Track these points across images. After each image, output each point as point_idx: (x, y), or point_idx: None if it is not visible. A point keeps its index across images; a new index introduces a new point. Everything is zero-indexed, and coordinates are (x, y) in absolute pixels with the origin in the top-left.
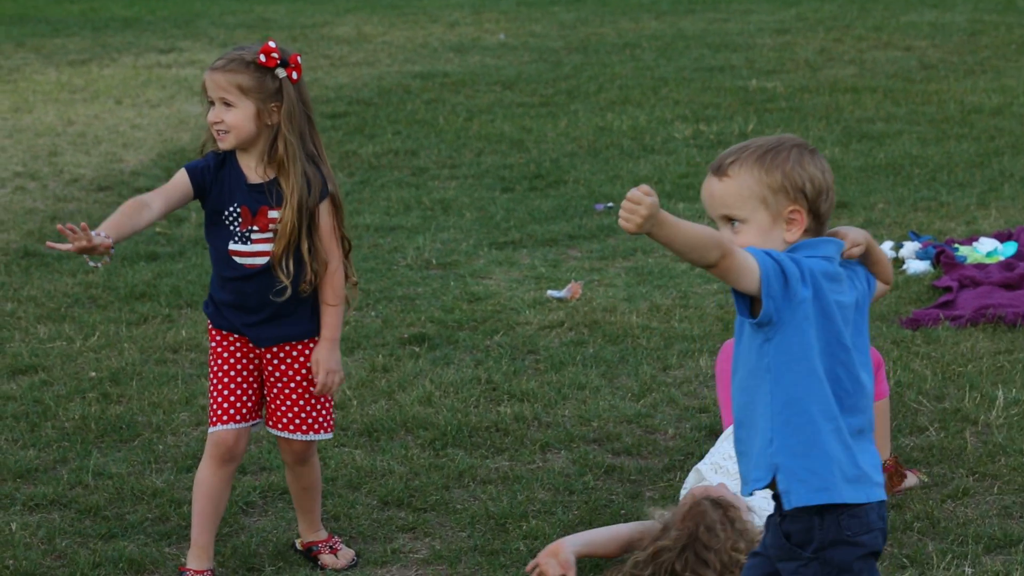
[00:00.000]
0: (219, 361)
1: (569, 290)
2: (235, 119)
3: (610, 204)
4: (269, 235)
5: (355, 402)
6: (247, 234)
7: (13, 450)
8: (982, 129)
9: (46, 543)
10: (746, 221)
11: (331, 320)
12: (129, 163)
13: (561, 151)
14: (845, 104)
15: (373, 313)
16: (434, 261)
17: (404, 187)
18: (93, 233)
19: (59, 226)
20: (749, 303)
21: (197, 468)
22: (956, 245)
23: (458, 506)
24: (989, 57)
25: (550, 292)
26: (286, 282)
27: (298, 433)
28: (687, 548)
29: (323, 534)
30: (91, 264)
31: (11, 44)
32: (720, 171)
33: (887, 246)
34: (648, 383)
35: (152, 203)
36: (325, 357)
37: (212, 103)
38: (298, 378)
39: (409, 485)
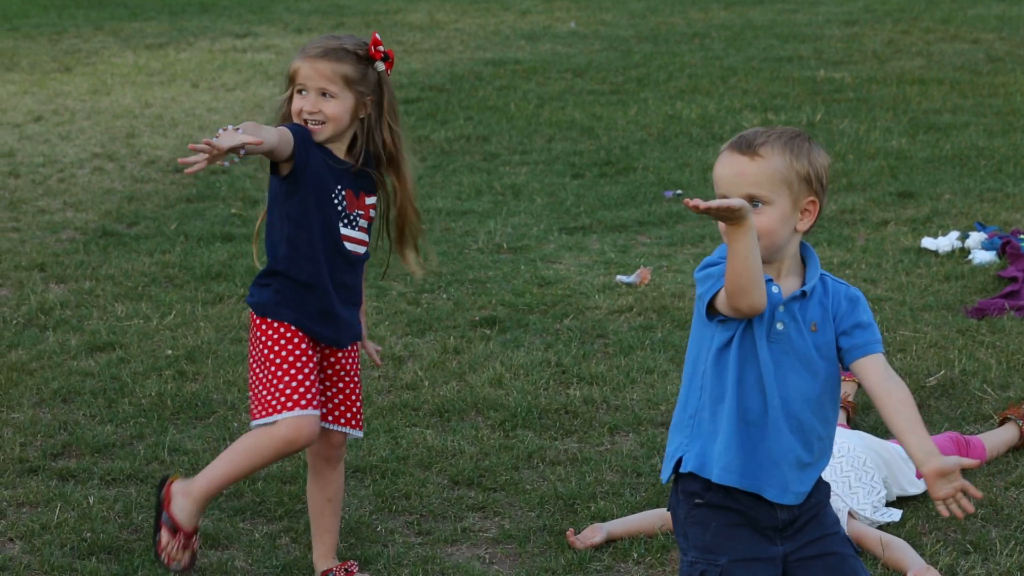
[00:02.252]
0: (299, 343)
1: (638, 275)
2: (335, 110)
3: (679, 191)
4: (366, 224)
5: (427, 383)
6: (356, 219)
7: (91, 425)
8: None
9: (123, 517)
10: (771, 203)
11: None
12: None
13: (631, 139)
14: (912, 95)
15: (445, 295)
16: (505, 245)
17: (476, 172)
18: (230, 128)
19: (191, 145)
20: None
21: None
22: (1022, 236)
23: (527, 487)
24: None
25: (619, 277)
26: (415, 265)
27: (357, 430)
28: None
29: (336, 560)
30: (225, 164)
31: (90, 27)
32: (751, 150)
33: (953, 236)
34: None
35: (270, 130)
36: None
37: (302, 91)
38: (356, 375)
39: (479, 465)
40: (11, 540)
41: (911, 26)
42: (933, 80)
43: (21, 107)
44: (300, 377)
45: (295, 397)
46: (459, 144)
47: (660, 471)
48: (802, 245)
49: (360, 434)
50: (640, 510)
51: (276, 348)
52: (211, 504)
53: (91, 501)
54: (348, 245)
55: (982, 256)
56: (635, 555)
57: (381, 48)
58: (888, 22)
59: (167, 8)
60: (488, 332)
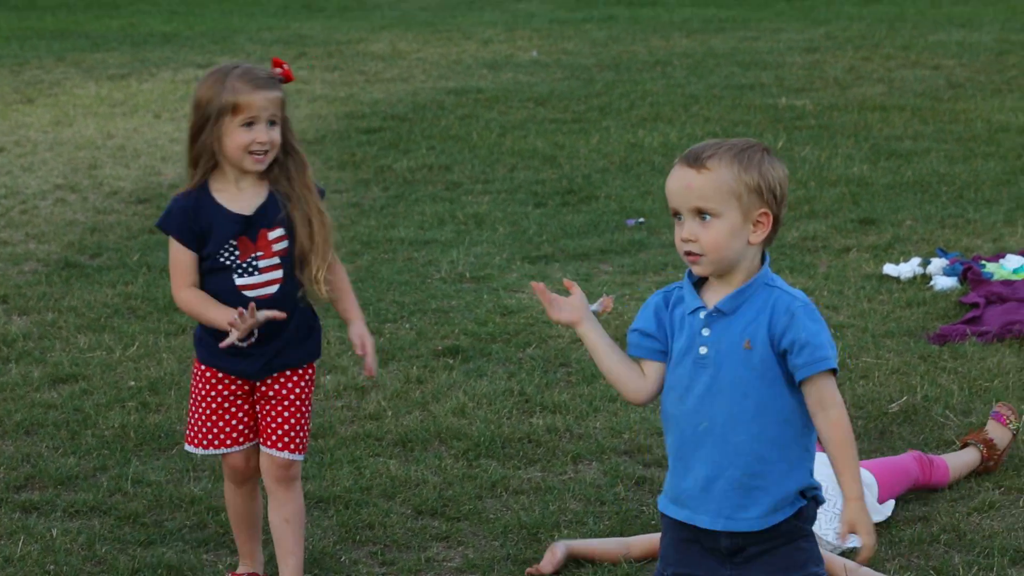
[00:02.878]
0: (212, 391)
1: (601, 304)
2: (278, 137)
3: (641, 219)
4: (276, 260)
5: (390, 412)
6: (252, 264)
7: (54, 457)
8: (1009, 147)
9: (86, 549)
10: (719, 216)
11: (354, 305)
12: (168, 176)
13: (593, 167)
14: (873, 122)
15: (407, 325)
16: (468, 275)
17: (438, 201)
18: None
19: (231, 320)
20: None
21: None
22: (983, 262)
23: (491, 516)
24: (1016, 76)
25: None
26: (316, 280)
27: (286, 452)
28: None
29: None
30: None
31: (52, 58)
32: (698, 163)
33: (915, 263)
34: None
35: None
36: (365, 332)
37: (251, 123)
38: (296, 400)
39: (443, 495)
40: None
41: (872, 53)
42: (894, 107)
43: None
44: (212, 423)
45: (221, 438)
46: (421, 173)
47: (623, 499)
48: (764, 257)
49: (284, 455)
50: (604, 537)
51: (193, 383)
52: (176, 535)
53: (54, 533)
54: (250, 293)
55: (944, 282)
56: None
57: (286, 66)
58: (849, 49)
59: (129, 39)
60: (451, 361)
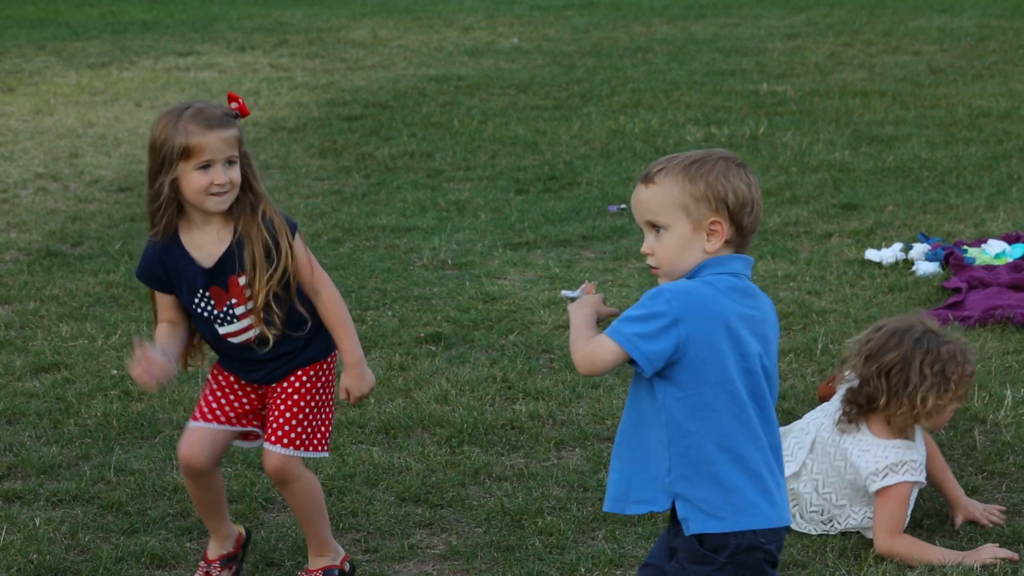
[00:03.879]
0: (219, 374)
1: (583, 290)
2: (237, 175)
3: (623, 206)
4: (251, 305)
5: (372, 400)
6: (228, 313)
7: (36, 447)
8: (990, 133)
9: (69, 538)
10: (668, 228)
11: (348, 343)
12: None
13: (574, 153)
14: (855, 108)
15: (390, 312)
16: (450, 261)
17: (420, 188)
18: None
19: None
20: None
21: None
22: (965, 247)
23: (474, 502)
24: (997, 62)
25: (564, 292)
26: (290, 334)
27: (279, 446)
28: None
29: (328, 559)
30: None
31: (32, 47)
32: (648, 179)
33: (897, 248)
34: None
35: (176, 324)
36: (355, 384)
37: (207, 166)
38: (295, 395)
39: (426, 482)
40: None
41: (853, 39)
42: (875, 92)
43: None
44: (202, 398)
45: (194, 413)
46: (403, 161)
47: (606, 485)
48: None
49: (281, 451)
50: (588, 525)
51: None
52: (159, 523)
53: (37, 523)
54: (234, 339)
55: (926, 267)
56: (583, 570)
57: (241, 101)
58: (830, 35)
59: (109, 27)
60: (433, 348)
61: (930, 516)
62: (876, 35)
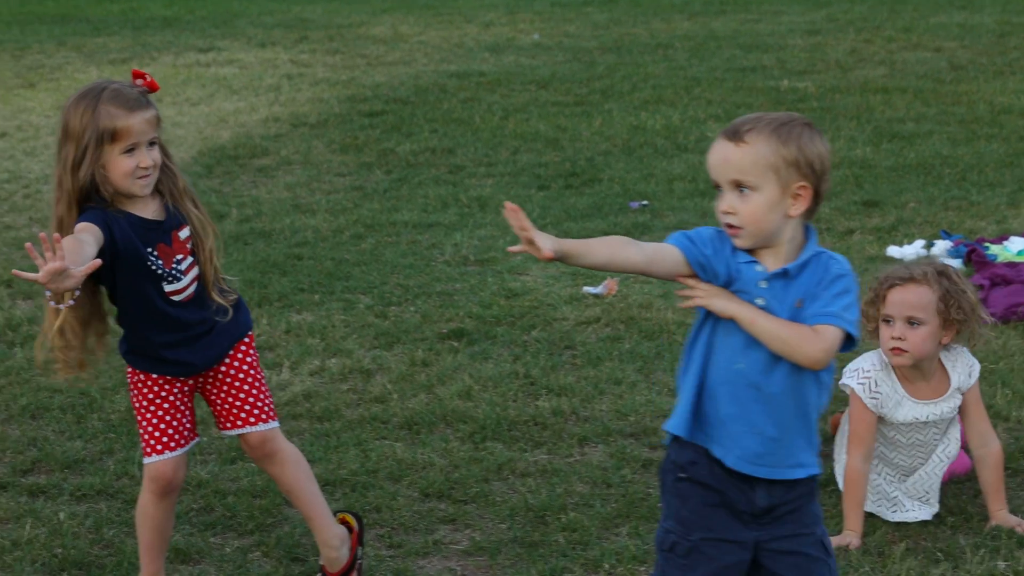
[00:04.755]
0: (151, 394)
1: (605, 286)
2: (159, 156)
3: (645, 202)
4: (191, 259)
5: (395, 396)
6: (176, 268)
7: (60, 441)
8: (1012, 129)
9: (93, 532)
10: (757, 189)
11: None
12: None
13: (596, 150)
14: (876, 104)
15: (412, 308)
16: (472, 257)
17: (441, 184)
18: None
19: (31, 246)
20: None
21: (237, 461)
22: (987, 244)
23: (497, 498)
24: (1018, 58)
25: (586, 288)
26: (223, 301)
27: (259, 424)
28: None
29: (337, 551)
30: (59, 306)
31: (53, 43)
32: (737, 136)
33: (919, 245)
34: None
35: (85, 239)
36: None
37: (132, 149)
38: (251, 370)
39: (449, 477)
40: None
41: (873, 35)
42: (896, 89)
43: None
44: (155, 422)
45: (152, 443)
46: (424, 157)
47: (630, 482)
48: (807, 228)
49: (260, 428)
50: (611, 521)
51: (134, 393)
52: (183, 518)
53: (61, 517)
54: (177, 298)
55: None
56: (607, 566)
57: (148, 77)
58: (851, 31)
59: (130, 23)
60: (456, 344)
61: (954, 513)
62: (897, 31)
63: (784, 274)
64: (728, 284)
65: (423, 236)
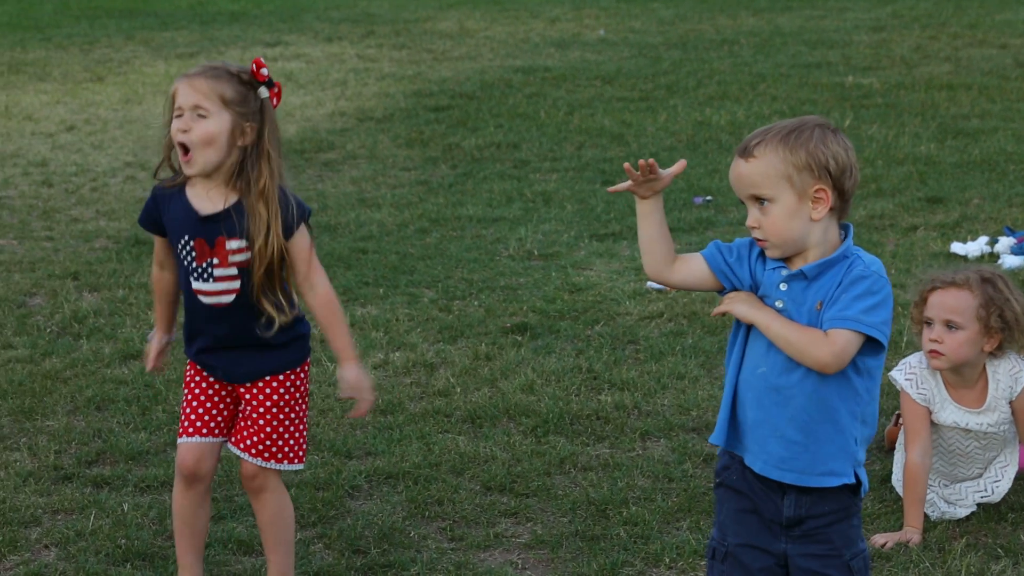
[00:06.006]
0: (195, 376)
1: None
2: (207, 131)
3: (709, 198)
4: (233, 271)
5: (459, 389)
6: (207, 270)
7: (125, 433)
8: None
9: (157, 523)
10: (774, 200)
11: (343, 341)
12: None
13: (660, 145)
14: (940, 101)
15: (476, 302)
16: (536, 252)
17: (506, 179)
18: (155, 343)
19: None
20: None
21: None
22: None
23: (559, 492)
24: None
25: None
26: (274, 314)
27: (259, 459)
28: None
29: None
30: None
31: (121, 37)
32: (746, 152)
33: (982, 241)
34: None
35: (164, 269)
36: (357, 377)
37: (180, 114)
38: (273, 408)
39: (511, 471)
40: (46, 547)
41: (939, 32)
42: (961, 85)
43: (54, 117)
44: (195, 404)
45: (184, 425)
46: (489, 151)
47: (691, 477)
48: (845, 228)
49: (258, 462)
50: (672, 516)
51: (185, 374)
52: (245, 510)
53: (125, 508)
54: (204, 299)
55: (1011, 260)
56: (667, 560)
57: (266, 72)
58: (916, 28)
59: (197, 17)
60: (519, 338)
61: (1015, 510)
62: (962, 28)
63: (800, 276)
64: (755, 290)
65: (487, 230)
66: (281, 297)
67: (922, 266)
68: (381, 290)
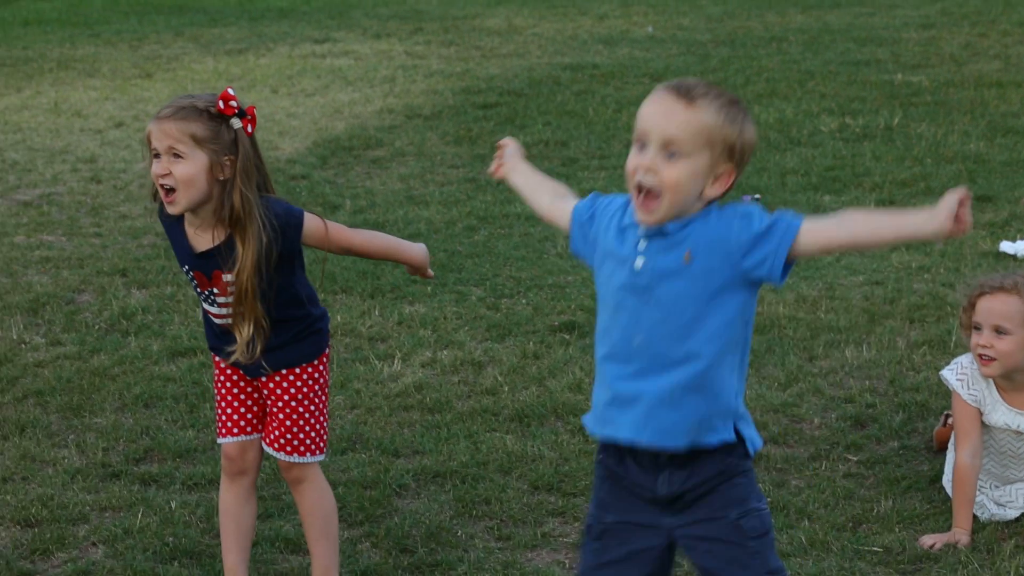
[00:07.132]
0: (220, 376)
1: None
2: (185, 172)
3: (757, 196)
4: (232, 299)
5: (506, 388)
6: (211, 297)
7: (173, 430)
8: None
9: (204, 521)
10: (687, 156)
11: (402, 244)
12: (285, 151)
13: None
14: (990, 99)
15: (524, 301)
16: None
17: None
18: None
19: None
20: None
21: (348, 452)
22: None
23: None
24: None
25: None
26: (241, 348)
27: (282, 453)
28: None
29: None
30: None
31: (170, 33)
32: (689, 96)
33: None
34: (794, 373)
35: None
36: (423, 255)
37: (157, 156)
38: (292, 401)
39: (559, 470)
40: (94, 544)
41: (988, 29)
42: (1011, 83)
43: (102, 113)
44: (223, 405)
45: (220, 426)
46: (537, 149)
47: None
48: None
49: (283, 456)
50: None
51: (214, 374)
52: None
53: (173, 506)
54: (215, 320)
55: None
56: None
57: (233, 104)
58: (965, 25)
59: (246, 14)
60: (567, 337)
61: None
62: (1012, 25)
63: (661, 233)
64: (604, 255)
65: (535, 228)
66: (265, 321)
67: (971, 265)
68: (429, 288)
